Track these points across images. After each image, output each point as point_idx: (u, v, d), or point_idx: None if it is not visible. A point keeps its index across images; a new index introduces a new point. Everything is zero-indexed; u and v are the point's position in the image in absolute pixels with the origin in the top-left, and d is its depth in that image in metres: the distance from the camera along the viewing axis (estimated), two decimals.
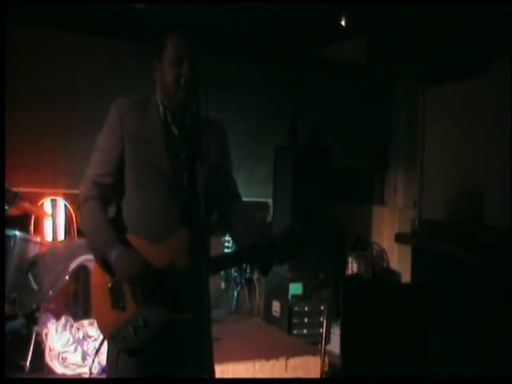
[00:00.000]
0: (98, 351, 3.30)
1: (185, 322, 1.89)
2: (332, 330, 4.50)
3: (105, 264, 1.90)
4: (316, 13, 4.20)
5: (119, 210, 2.01)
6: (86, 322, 3.77)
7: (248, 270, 5.39)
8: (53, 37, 4.65)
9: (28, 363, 3.48)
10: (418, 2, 3.82)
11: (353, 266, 5.35)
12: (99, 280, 1.93)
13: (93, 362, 3.47)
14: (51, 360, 3.57)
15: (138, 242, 1.93)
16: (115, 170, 1.96)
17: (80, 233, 3.47)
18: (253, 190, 5.26)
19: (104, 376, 3.44)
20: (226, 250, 4.79)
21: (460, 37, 4.32)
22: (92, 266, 3.67)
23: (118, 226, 1.97)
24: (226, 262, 2.20)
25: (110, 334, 1.91)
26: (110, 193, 1.98)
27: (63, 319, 3.69)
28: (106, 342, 2.01)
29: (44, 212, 4.44)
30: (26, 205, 3.92)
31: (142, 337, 1.87)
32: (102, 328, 1.94)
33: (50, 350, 3.58)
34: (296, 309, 4.97)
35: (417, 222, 5.17)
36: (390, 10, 4.05)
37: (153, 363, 1.93)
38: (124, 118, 1.96)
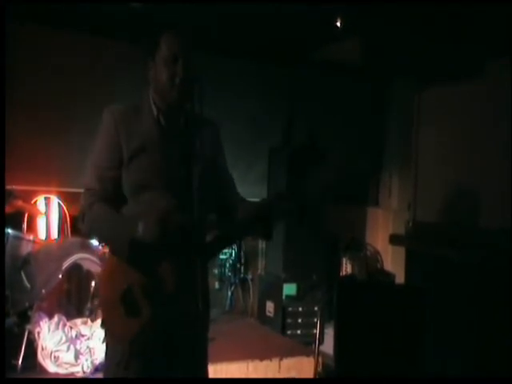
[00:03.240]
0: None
1: (187, 322, 1.88)
2: (326, 330, 4.50)
3: (135, 245, 1.78)
4: (315, 13, 4.19)
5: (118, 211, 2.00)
6: (78, 321, 3.74)
7: (242, 270, 5.38)
8: (52, 37, 4.64)
9: (20, 362, 3.46)
10: (416, 2, 3.82)
11: (347, 267, 5.35)
12: (111, 288, 1.90)
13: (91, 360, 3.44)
14: (43, 359, 3.55)
15: None
16: (115, 166, 1.92)
17: (89, 234, 3.44)
18: (247, 189, 5.24)
19: (98, 375, 3.45)
20: None
21: (457, 37, 4.32)
22: (86, 264, 3.71)
23: None
24: (226, 239, 2.12)
25: (128, 341, 1.86)
26: (111, 188, 1.92)
27: (56, 318, 3.67)
28: (105, 343, 1.97)
29: (37, 210, 4.42)
30: (20, 203, 3.91)
31: (158, 340, 1.87)
32: (118, 336, 1.89)
33: (43, 349, 3.55)
34: (290, 309, 4.97)
35: (411, 224, 5.18)
36: (387, 10, 4.05)
37: (160, 364, 1.91)
38: (118, 123, 1.92)
